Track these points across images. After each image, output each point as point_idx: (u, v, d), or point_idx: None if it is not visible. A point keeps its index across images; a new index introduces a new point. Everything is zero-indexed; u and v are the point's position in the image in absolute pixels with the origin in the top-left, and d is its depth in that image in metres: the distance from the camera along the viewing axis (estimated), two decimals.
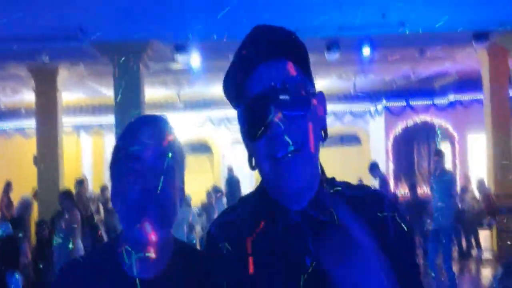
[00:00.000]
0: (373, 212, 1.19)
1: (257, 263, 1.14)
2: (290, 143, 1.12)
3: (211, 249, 1.21)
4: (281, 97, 1.13)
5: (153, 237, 1.28)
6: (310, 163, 1.15)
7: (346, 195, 1.22)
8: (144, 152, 1.29)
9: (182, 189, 1.37)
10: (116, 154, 1.36)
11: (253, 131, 1.15)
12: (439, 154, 8.94)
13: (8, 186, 13.58)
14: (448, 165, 14.24)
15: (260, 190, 1.24)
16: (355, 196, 1.22)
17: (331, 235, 1.15)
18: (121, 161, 1.32)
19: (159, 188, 1.26)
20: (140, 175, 1.28)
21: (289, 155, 1.12)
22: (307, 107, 1.15)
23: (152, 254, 1.31)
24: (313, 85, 1.22)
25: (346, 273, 1.11)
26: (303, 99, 1.15)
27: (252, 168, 1.21)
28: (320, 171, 1.22)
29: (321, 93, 1.23)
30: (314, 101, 1.19)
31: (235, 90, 1.20)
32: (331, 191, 1.22)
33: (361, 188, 1.26)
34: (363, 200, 1.21)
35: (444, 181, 8.34)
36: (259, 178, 1.24)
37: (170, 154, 1.32)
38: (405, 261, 1.19)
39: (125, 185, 1.29)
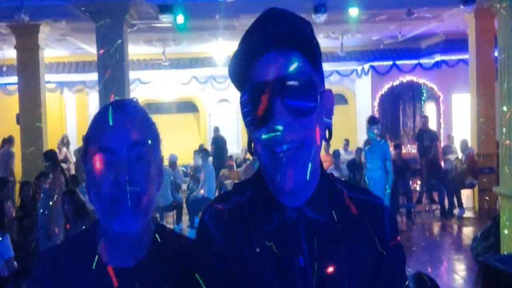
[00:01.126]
0: (373, 221, 1.18)
1: (249, 257, 1.13)
2: (291, 139, 1.08)
3: (203, 237, 1.19)
4: (288, 89, 1.07)
5: (129, 229, 1.25)
6: (309, 162, 1.10)
7: (345, 195, 1.20)
8: (116, 143, 1.25)
9: (158, 175, 1.32)
10: (87, 145, 1.31)
11: (255, 119, 1.11)
12: (371, 121, 8.03)
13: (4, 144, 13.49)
14: (432, 125, 14.38)
15: (257, 179, 1.20)
16: (354, 197, 1.20)
17: (325, 235, 1.14)
18: (92, 153, 1.28)
19: (133, 180, 1.23)
20: (113, 167, 1.24)
21: (289, 151, 1.08)
22: (314, 103, 1.09)
23: (129, 244, 1.30)
24: (322, 81, 1.16)
25: (337, 273, 1.12)
26: (311, 94, 1.09)
27: (252, 154, 1.18)
28: (319, 168, 1.18)
29: (329, 90, 1.18)
30: (321, 98, 1.13)
31: (241, 72, 1.15)
32: (329, 187, 1.19)
33: (361, 190, 1.23)
34: (363, 205, 1.19)
35: (374, 151, 7.96)
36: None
37: (143, 142, 1.27)
38: (394, 274, 1.19)
39: (98, 178, 1.25)
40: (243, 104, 1.14)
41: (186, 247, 1.33)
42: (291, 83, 1.08)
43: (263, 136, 1.09)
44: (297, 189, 1.11)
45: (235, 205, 1.19)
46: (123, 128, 1.26)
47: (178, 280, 1.27)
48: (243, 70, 1.14)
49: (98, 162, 1.25)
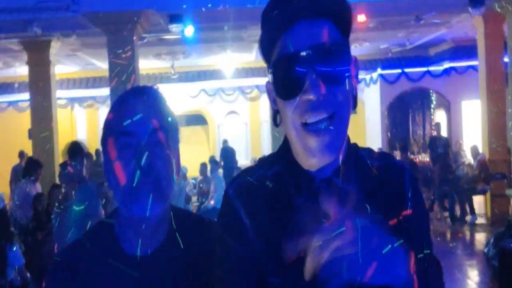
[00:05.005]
0: (395, 183, 1.18)
1: (276, 232, 1.11)
2: (324, 110, 1.05)
3: (228, 210, 1.16)
4: (321, 58, 1.05)
5: (149, 214, 1.25)
6: (340, 133, 1.09)
7: (369, 164, 1.20)
8: (137, 128, 1.25)
9: (177, 162, 1.33)
10: (107, 129, 1.31)
11: (286, 89, 1.09)
12: None
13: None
14: (443, 132, 14.33)
15: (283, 151, 1.18)
16: (377, 165, 1.20)
17: (354, 205, 1.10)
18: (113, 137, 1.28)
19: (154, 164, 1.24)
20: (134, 151, 1.24)
21: (321, 123, 1.06)
22: (347, 72, 1.08)
23: (149, 230, 1.30)
24: (350, 49, 1.13)
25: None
26: (344, 63, 1.08)
27: (277, 125, 1.16)
28: (347, 137, 1.17)
29: (355, 58, 1.15)
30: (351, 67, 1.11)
31: (271, 43, 1.12)
32: (355, 157, 1.19)
33: (383, 156, 1.23)
34: (385, 170, 1.19)
35: None
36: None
37: (164, 128, 1.28)
38: (420, 233, 1.18)
39: (118, 162, 1.26)
40: (274, 74, 1.12)
41: (203, 227, 1.35)
42: (324, 52, 1.05)
43: (295, 107, 1.08)
44: (329, 159, 1.10)
45: (260, 178, 1.17)
46: (144, 113, 1.26)
47: (198, 262, 1.28)
48: (273, 41, 1.12)
49: (118, 146, 1.26)
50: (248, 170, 1.23)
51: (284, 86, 1.09)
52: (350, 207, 1.11)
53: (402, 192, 1.18)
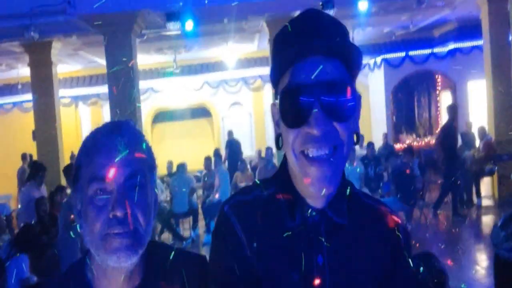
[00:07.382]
0: (387, 229, 1.21)
1: (269, 251, 1.15)
2: (325, 145, 1.09)
3: (223, 226, 1.18)
4: (326, 93, 1.08)
5: (125, 265, 1.19)
6: (340, 167, 1.13)
7: (362, 202, 1.24)
8: (113, 172, 1.15)
9: (154, 202, 1.25)
10: (79, 170, 1.21)
11: (291, 118, 1.12)
12: None
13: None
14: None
15: (282, 175, 1.21)
16: (370, 205, 1.24)
17: (344, 238, 1.17)
18: (86, 180, 1.18)
19: (131, 212, 1.16)
20: (109, 198, 1.15)
21: (322, 157, 1.09)
22: (350, 111, 1.12)
23: (123, 277, 1.22)
24: (355, 89, 1.17)
25: (352, 275, 1.15)
26: (348, 100, 1.11)
27: (279, 148, 1.19)
28: (342, 172, 1.20)
29: (359, 96, 1.19)
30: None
31: (281, 72, 1.15)
32: (348, 192, 1.21)
33: (376, 199, 1.28)
34: (378, 213, 1.22)
35: None
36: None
37: (141, 171, 1.19)
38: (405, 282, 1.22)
39: (91, 208, 1.16)
40: (281, 102, 1.14)
41: (183, 262, 1.29)
42: (330, 88, 1.09)
43: (298, 137, 1.11)
44: (326, 193, 1.13)
45: (255, 198, 1.20)
46: (120, 156, 1.16)
47: None
48: (283, 70, 1.15)
49: (92, 191, 1.16)
50: (245, 189, 1.25)
51: (290, 114, 1.12)
52: (338, 241, 1.16)
53: (396, 244, 1.21)
